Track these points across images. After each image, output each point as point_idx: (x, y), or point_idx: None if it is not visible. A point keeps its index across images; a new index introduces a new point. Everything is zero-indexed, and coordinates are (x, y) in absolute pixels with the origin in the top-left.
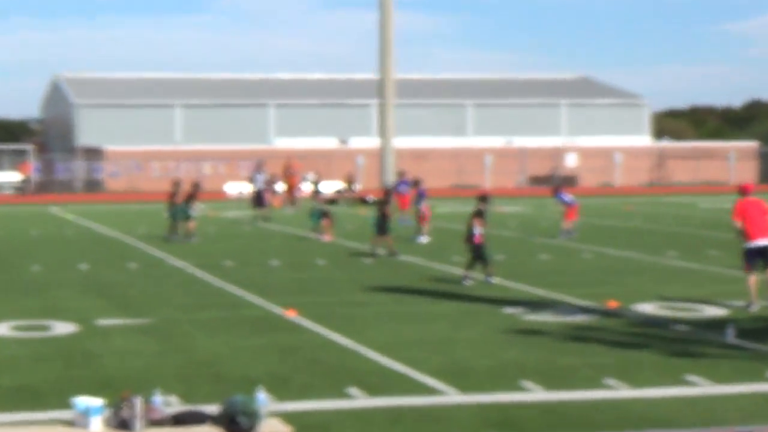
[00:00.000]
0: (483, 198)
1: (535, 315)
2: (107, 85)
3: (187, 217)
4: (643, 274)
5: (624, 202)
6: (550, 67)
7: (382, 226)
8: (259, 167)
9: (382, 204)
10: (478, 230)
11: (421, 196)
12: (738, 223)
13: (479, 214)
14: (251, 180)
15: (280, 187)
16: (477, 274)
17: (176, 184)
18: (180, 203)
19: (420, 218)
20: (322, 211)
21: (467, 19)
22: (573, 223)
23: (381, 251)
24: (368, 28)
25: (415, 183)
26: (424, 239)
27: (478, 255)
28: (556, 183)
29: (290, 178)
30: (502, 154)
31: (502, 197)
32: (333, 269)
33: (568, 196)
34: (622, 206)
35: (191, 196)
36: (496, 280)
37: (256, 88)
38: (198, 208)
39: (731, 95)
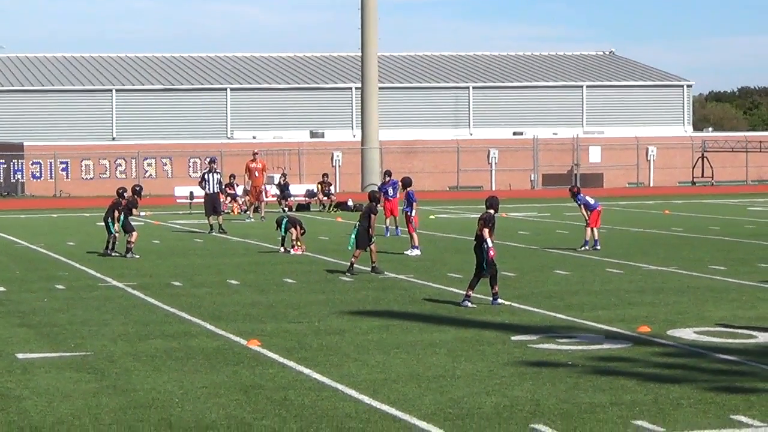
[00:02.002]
0: (493, 202)
1: (551, 344)
2: (26, 67)
3: (128, 228)
4: (682, 293)
5: (659, 206)
6: (569, 41)
7: (365, 237)
8: (211, 166)
9: (369, 210)
10: (490, 243)
11: (410, 199)
12: None
13: (488, 222)
14: (203, 182)
15: (240, 190)
16: (480, 295)
17: (121, 193)
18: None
19: (410, 227)
20: (290, 219)
21: None
22: (597, 231)
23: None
24: None
25: (405, 184)
26: (414, 252)
27: (490, 273)
28: (576, 183)
29: (253, 179)
30: (509, 149)
31: (511, 200)
32: (304, 290)
33: (590, 199)
34: (657, 210)
35: (131, 202)
36: (504, 301)
37: (208, 70)
38: (140, 216)
39: None
